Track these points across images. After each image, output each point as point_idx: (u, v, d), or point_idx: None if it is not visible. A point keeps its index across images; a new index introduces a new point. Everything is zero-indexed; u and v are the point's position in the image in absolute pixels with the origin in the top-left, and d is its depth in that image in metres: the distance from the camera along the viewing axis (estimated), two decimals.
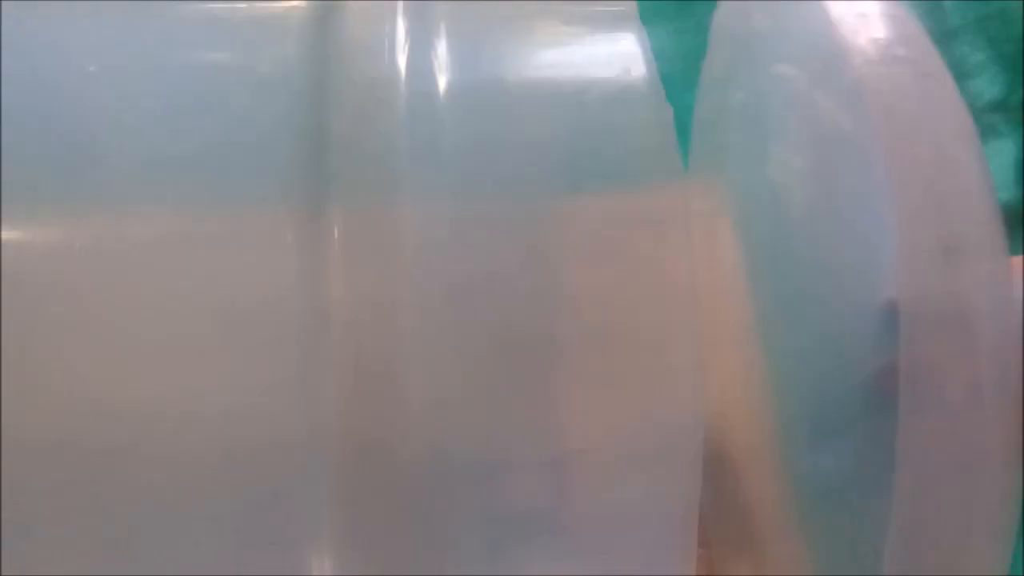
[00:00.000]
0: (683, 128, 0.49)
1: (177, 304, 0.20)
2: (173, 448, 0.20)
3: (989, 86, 0.48)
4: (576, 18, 0.24)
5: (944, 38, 0.48)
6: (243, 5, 0.24)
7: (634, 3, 0.24)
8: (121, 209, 0.20)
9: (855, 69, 0.23)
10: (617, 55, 0.23)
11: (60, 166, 0.20)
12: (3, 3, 0.21)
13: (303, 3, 0.23)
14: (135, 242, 0.20)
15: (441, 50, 0.22)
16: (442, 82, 0.21)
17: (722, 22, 0.34)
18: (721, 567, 0.34)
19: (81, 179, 0.20)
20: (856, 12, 0.24)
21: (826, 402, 0.27)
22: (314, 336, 0.19)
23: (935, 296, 0.21)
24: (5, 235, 0.19)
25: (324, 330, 0.19)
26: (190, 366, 0.20)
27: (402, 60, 0.22)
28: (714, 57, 0.38)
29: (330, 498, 0.19)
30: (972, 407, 0.21)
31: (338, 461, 0.19)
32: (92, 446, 0.20)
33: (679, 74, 0.49)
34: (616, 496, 0.21)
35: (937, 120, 0.23)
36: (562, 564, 0.21)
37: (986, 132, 0.48)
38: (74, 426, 0.19)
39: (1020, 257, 0.30)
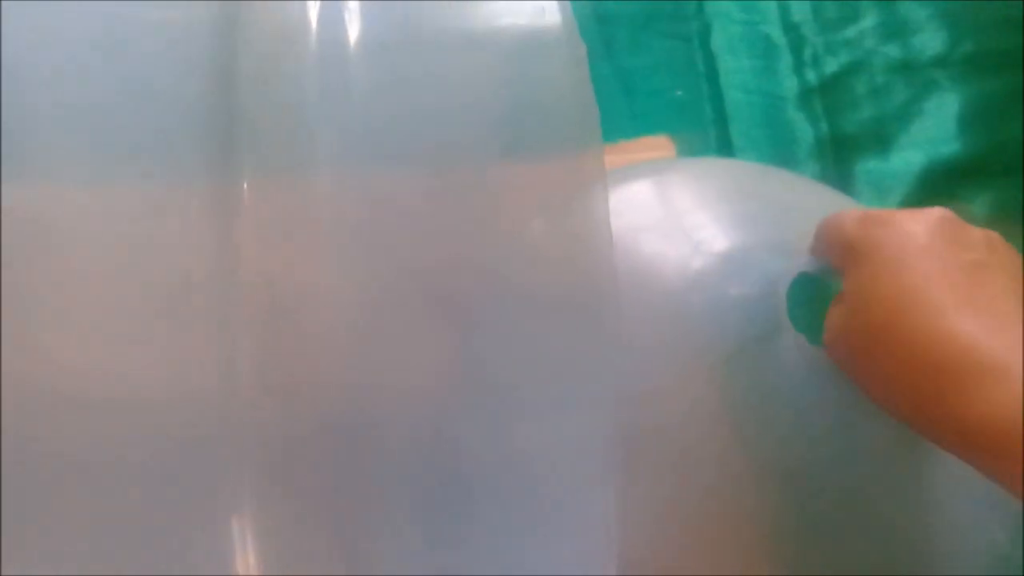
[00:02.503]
0: (630, 90, 0.49)
1: (92, 273, 0.20)
2: (95, 411, 0.20)
3: (932, 41, 0.49)
4: None
5: None
6: None
7: None
8: (35, 181, 0.20)
9: None
10: (531, 4, 0.23)
11: None
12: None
13: None
14: (52, 215, 0.20)
15: (353, 1, 0.22)
16: (353, 32, 0.21)
17: None
18: None
19: None
20: None
21: None
22: (226, 296, 0.19)
23: None
24: None
25: (236, 290, 0.19)
26: (108, 333, 0.20)
27: (313, 11, 0.22)
28: None
29: (251, 455, 0.20)
30: None
31: (257, 414, 0.20)
32: (15, 411, 0.20)
33: (624, 38, 0.50)
34: (537, 438, 0.21)
35: None
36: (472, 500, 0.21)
37: (929, 87, 0.48)
38: None
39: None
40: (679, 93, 0.49)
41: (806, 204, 0.43)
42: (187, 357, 0.20)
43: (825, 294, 0.44)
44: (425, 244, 0.20)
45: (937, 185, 0.47)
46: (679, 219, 0.40)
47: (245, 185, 0.20)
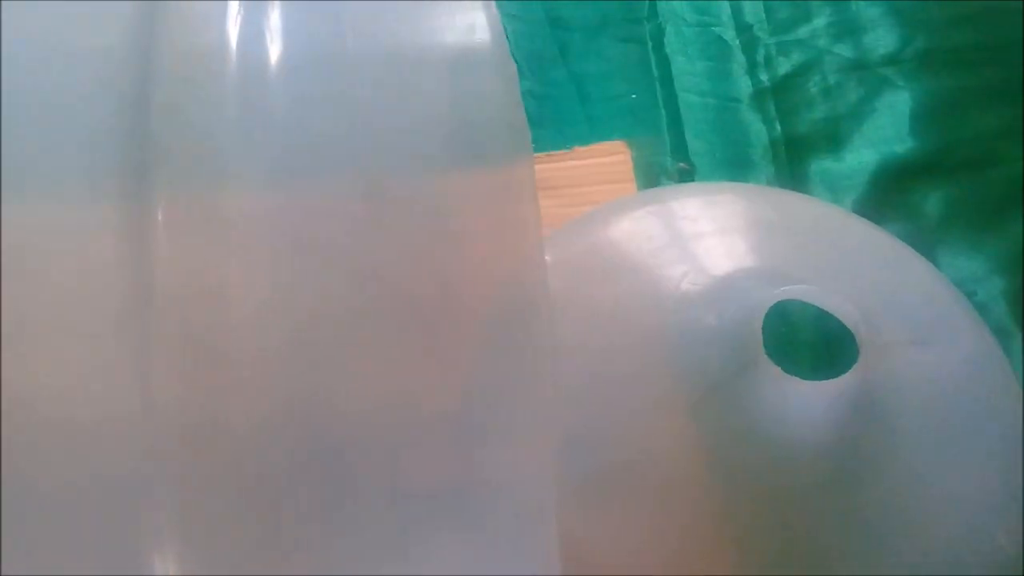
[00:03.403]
0: (585, 96, 0.49)
1: (5, 296, 0.19)
2: (10, 431, 0.19)
3: (883, 40, 0.49)
4: None
5: None
6: None
7: None
8: None
9: None
10: (461, 21, 0.23)
11: None
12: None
13: None
14: None
15: (275, 19, 0.22)
16: (275, 52, 0.21)
17: None
18: None
19: None
20: None
21: None
22: (141, 316, 0.19)
23: None
24: None
25: (151, 310, 0.19)
26: (24, 351, 0.20)
27: (233, 30, 0.21)
28: None
29: (169, 474, 0.19)
30: None
31: (176, 442, 0.19)
32: None
33: (579, 43, 0.49)
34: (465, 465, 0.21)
35: None
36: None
37: (881, 85, 0.48)
38: None
39: None
40: (634, 97, 0.49)
41: (809, 227, 0.43)
42: (104, 381, 0.20)
43: (801, 322, 0.44)
44: (345, 264, 0.20)
45: (890, 184, 0.47)
46: (671, 250, 0.40)
47: (159, 206, 0.20)
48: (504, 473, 0.22)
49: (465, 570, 0.22)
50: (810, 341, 0.43)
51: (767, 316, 0.43)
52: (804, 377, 0.35)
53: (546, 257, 0.42)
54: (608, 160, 0.47)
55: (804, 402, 0.34)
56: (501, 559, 0.22)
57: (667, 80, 0.49)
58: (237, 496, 0.19)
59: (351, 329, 0.20)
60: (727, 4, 0.49)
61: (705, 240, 0.41)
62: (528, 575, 0.21)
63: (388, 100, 0.22)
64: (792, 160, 0.47)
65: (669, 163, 0.47)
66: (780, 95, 0.48)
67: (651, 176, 0.47)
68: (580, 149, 0.47)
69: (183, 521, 0.20)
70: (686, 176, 0.47)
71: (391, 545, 0.22)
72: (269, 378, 0.19)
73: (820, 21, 0.49)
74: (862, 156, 0.47)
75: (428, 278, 0.21)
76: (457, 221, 0.22)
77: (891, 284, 0.42)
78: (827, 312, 0.36)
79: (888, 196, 0.46)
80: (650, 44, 0.49)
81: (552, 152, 0.47)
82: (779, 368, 0.34)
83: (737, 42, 0.49)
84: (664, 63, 0.49)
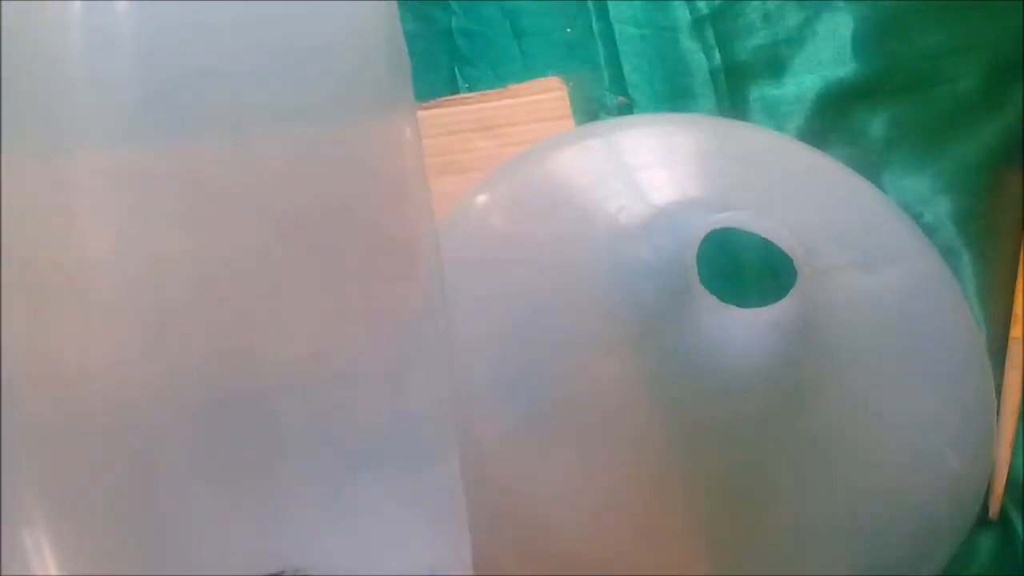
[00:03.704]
0: (519, 32, 0.47)
1: None
2: None
3: None
4: None
5: None
6: None
7: None
8: None
9: None
10: None
11: None
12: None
13: None
14: None
15: None
16: (122, 7, 0.19)
17: None
18: None
19: None
20: None
21: None
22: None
23: None
24: None
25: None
26: None
27: None
28: None
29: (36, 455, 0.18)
30: None
31: (36, 410, 0.18)
32: None
33: None
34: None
35: None
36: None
37: (821, 8, 0.47)
38: None
39: None
40: (569, 31, 0.47)
41: (750, 155, 0.42)
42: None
43: (745, 252, 0.43)
44: (214, 219, 0.19)
45: (833, 109, 0.46)
46: (608, 184, 0.39)
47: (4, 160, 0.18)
48: (413, 409, 0.21)
49: (378, 514, 0.21)
50: (755, 271, 0.42)
51: (711, 248, 0.42)
52: (751, 307, 0.35)
53: (482, 197, 0.41)
54: (544, 97, 0.45)
55: (742, 331, 0.33)
56: (420, 498, 0.22)
57: (603, 12, 0.47)
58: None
59: (209, 286, 0.19)
60: None
61: (643, 172, 0.40)
62: (440, 510, 0.21)
63: (253, 41, 0.21)
64: (733, 89, 0.46)
65: (607, 98, 0.46)
66: (719, 22, 0.47)
67: (589, 112, 0.45)
68: (515, 87, 0.45)
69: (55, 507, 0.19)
70: (625, 110, 0.46)
71: (321, 493, 0.21)
72: (119, 340, 0.18)
73: None
74: (804, 81, 0.46)
75: (305, 232, 0.20)
76: (328, 166, 0.21)
77: (834, 209, 0.41)
78: (769, 240, 0.35)
79: (831, 120, 0.45)
80: None
81: (486, 91, 0.45)
82: (715, 298, 0.33)
83: None
84: None
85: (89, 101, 0.19)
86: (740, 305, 0.34)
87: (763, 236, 0.33)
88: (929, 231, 0.43)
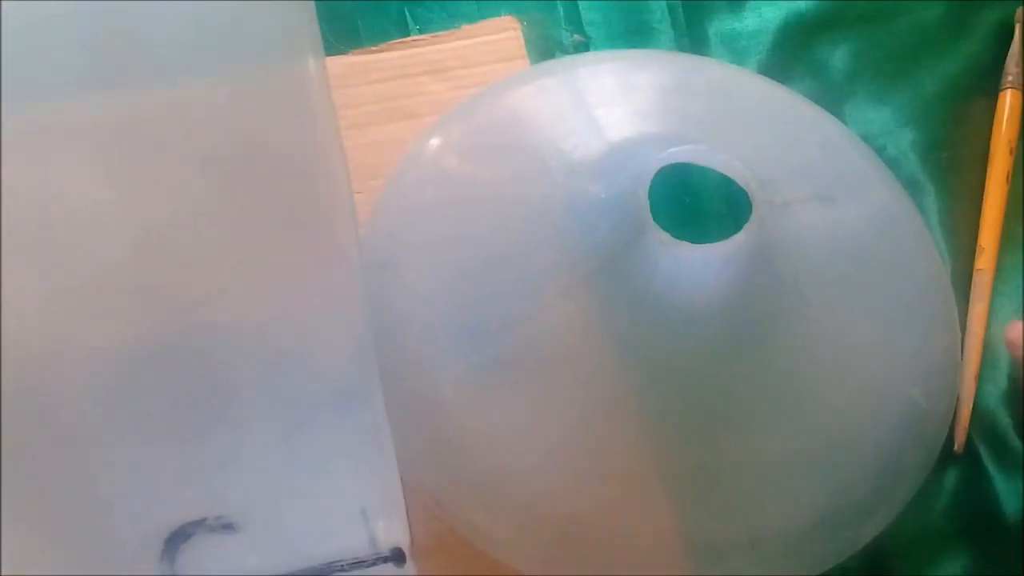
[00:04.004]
0: None
1: None
2: None
3: None
4: None
5: None
6: None
7: None
8: None
9: None
10: None
11: None
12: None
13: None
14: None
15: None
16: None
17: None
18: None
19: None
20: None
21: None
22: None
23: None
24: None
25: None
26: None
27: None
28: None
29: None
30: None
31: None
32: None
33: None
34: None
35: None
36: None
37: None
38: None
39: None
40: None
41: (710, 90, 0.41)
42: None
43: (705, 189, 0.42)
44: (143, 168, 0.18)
45: (794, 41, 0.44)
46: (563, 123, 0.38)
47: None
48: (332, 353, 0.20)
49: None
50: (716, 209, 0.42)
51: (673, 186, 0.41)
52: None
53: (435, 140, 0.40)
54: (498, 37, 0.44)
55: (696, 267, 0.32)
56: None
57: None
58: None
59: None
60: None
61: (600, 110, 0.39)
62: (368, 454, 0.20)
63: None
64: (692, 23, 0.45)
65: (563, 36, 0.45)
66: None
67: (544, 51, 0.44)
68: (468, 27, 0.44)
69: None
70: (581, 49, 0.44)
71: (242, 441, 0.21)
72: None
73: None
74: (764, 14, 0.45)
75: (216, 181, 0.19)
76: (242, 108, 0.20)
77: (795, 142, 0.40)
78: (727, 176, 0.34)
79: (792, 54, 0.44)
80: None
81: (438, 33, 0.44)
82: (668, 234, 0.32)
83: None
84: None
85: (16, 62, 0.18)
86: (703, 243, 0.34)
87: (717, 170, 0.33)
88: (892, 163, 0.42)
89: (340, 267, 0.20)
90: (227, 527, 0.19)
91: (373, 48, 0.43)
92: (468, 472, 0.35)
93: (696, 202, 0.42)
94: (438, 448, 0.35)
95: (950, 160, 0.43)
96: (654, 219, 0.32)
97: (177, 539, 0.19)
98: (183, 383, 0.20)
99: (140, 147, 0.20)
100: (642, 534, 0.34)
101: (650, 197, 0.32)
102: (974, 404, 0.40)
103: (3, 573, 0.19)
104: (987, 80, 0.44)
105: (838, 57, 0.44)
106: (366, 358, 0.20)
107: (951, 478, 0.40)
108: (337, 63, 0.42)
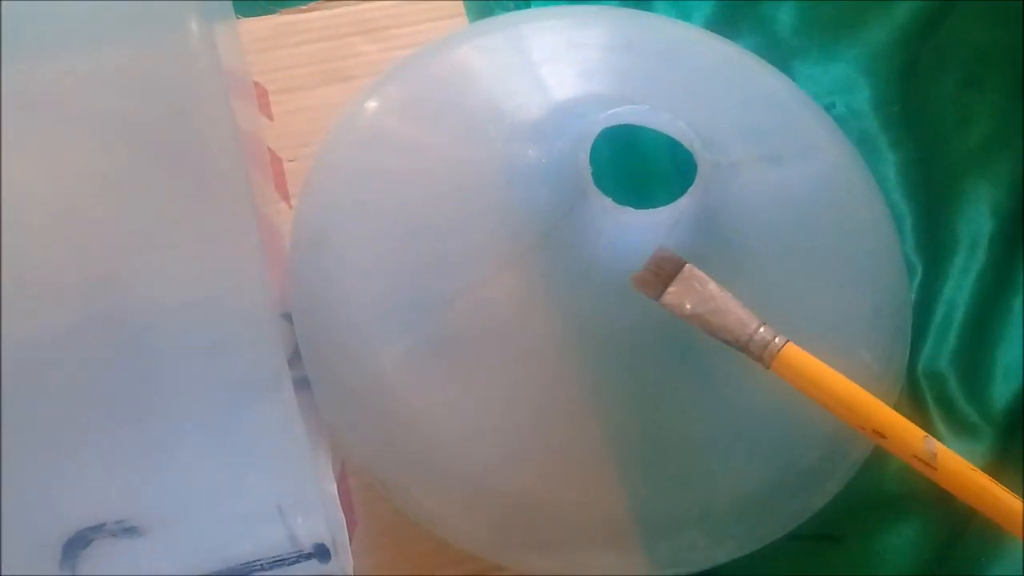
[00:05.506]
0: None
1: None
2: None
3: None
4: None
5: None
6: None
7: None
8: None
9: None
10: None
11: None
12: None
13: None
14: None
15: None
16: None
17: None
18: None
19: None
20: None
21: None
22: None
23: None
24: None
25: None
26: None
27: None
28: None
29: None
30: None
31: None
32: None
33: None
34: None
35: None
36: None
37: None
38: None
39: None
40: None
41: (654, 48, 0.40)
42: None
43: (654, 152, 0.41)
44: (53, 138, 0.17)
45: None
46: (502, 84, 0.37)
47: None
48: (231, 340, 0.19)
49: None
50: (663, 172, 0.40)
51: (619, 149, 0.40)
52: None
53: (369, 103, 0.38)
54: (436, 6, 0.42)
55: (640, 233, 0.31)
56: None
57: None
58: None
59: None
60: None
61: (542, 69, 0.37)
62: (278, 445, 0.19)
63: None
64: None
65: None
66: None
67: (483, 9, 0.42)
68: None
69: None
70: (522, 5, 0.43)
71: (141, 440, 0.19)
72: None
73: None
74: None
75: (132, 134, 0.18)
76: (147, 74, 0.19)
77: (742, 102, 0.39)
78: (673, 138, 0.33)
79: (739, 10, 0.43)
80: None
81: None
82: (610, 200, 0.31)
83: None
84: None
85: None
86: (650, 207, 0.33)
87: (660, 130, 0.31)
88: (842, 120, 0.42)
89: (237, 245, 0.18)
90: (129, 531, 0.17)
91: (302, 7, 0.41)
92: (413, 451, 0.33)
93: (645, 167, 0.40)
94: (381, 427, 0.34)
95: (902, 115, 0.43)
96: (599, 185, 0.31)
97: (76, 545, 0.18)
98: (82, 376, 0.19)
99: (30, 120, 0.18)
100: (592, 509, 0.34)
101: (594, 162, 0.31)
102: (925, 367, 0.39)
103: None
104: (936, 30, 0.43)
105: (786, 12, 0.43)
106: (271, 346, 0.19)
107: None
108: (262, 24, 0.40)
